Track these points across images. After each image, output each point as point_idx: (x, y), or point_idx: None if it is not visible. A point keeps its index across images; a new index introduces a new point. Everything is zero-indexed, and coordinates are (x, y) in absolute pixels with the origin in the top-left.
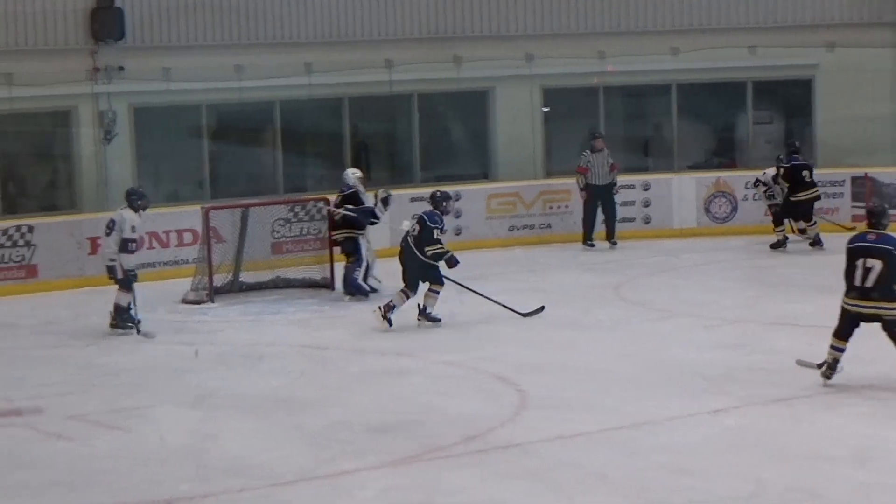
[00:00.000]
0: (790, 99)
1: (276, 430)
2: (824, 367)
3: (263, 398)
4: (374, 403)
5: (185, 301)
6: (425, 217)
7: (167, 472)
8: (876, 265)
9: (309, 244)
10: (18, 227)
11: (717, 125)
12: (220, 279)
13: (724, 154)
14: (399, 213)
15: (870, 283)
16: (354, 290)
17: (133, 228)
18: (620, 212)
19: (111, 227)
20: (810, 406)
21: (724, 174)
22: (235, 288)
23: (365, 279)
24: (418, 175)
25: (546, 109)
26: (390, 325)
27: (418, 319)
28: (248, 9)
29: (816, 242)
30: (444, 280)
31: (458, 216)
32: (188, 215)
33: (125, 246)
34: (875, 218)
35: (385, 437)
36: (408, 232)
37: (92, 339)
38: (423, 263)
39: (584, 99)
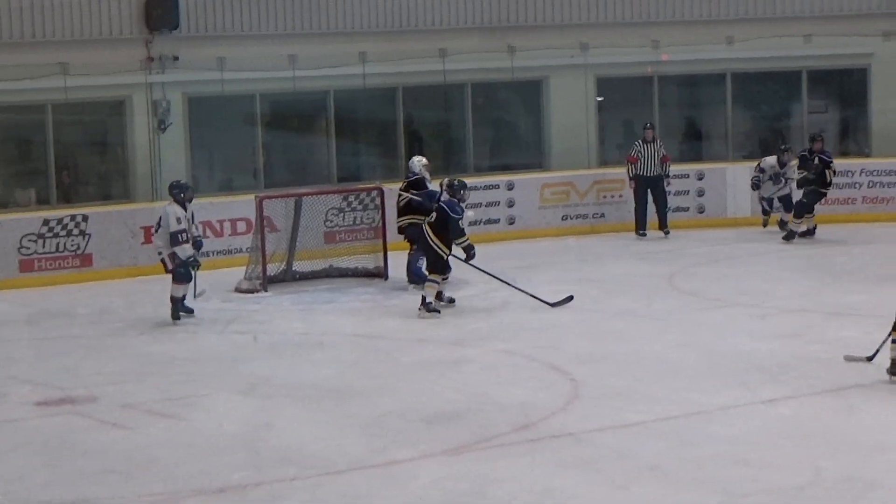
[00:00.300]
0: (845, 88)
1: (328, 419)
2: (890, 365)
3: (316, 387)
4: (427, 392)
5: (238, 290)
6: (446, 207)
7: (220, 460)
8: None
9: (362, 233)
10: (73, 217)
11: (772, 114)
12: (273, 268)
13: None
14: None
15: None
16: (417, 278)
17: (179, 220)
18: (674, 201)
19: (158, 223)
20: (865, 396)
21: None
22: (288, 277)
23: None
24: (472, 165)
25: (600, 99)
26: (438, 311)
27: (419, 310)
28: None
29: (809, 233)
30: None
31: (511, 206)
32: (242, 204)
33: (175, 239)
34: None
35: (437, 427)
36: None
37: (146, 328)
38: (433, 251)
39: (639, 88)
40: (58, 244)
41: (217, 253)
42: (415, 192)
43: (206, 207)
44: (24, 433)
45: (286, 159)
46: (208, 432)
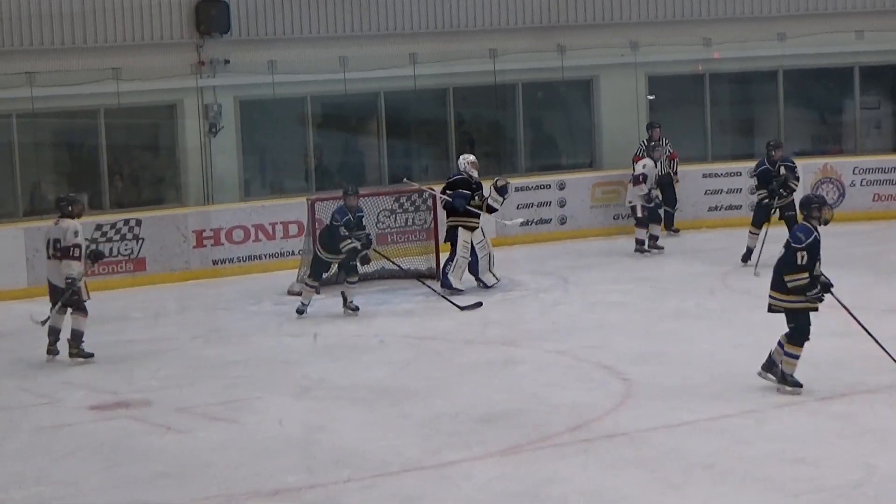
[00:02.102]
0: None
1: (381, 421)
2: (779, 374)
3: (369, 389)
4: (480, 393)
5: (290, 293)
6: (333, 213)
7: (275, 463)
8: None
9: (414, 235)
10: (127, 221)
11: (825, 111)
12: None
13: (831, 140)
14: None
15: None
16: (442, 283)
17: (76, 233)
18: (727, 199)
19: (55, 245)
20: None
21: (832, 160)
22: (341, 279)
23: (480, 272)
24: (523, 165)
25: (651, 97)
26: (301, 312)
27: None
28: (352, 0)
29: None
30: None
31: (562, 205)
32: (294, 207)
33: (67, 252)
34: (801, 208)
35: (490, 427)
36: None
37: (199, 331)
38: (316, 257)
39: (690, 86)
40: (112, 249)
41: (269, 256)
42: (449, 192)
43: (258, 210)
44: (80, 437)
45: (337, 161)
46: (262, 435)
